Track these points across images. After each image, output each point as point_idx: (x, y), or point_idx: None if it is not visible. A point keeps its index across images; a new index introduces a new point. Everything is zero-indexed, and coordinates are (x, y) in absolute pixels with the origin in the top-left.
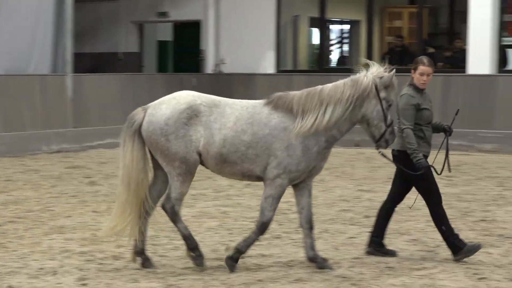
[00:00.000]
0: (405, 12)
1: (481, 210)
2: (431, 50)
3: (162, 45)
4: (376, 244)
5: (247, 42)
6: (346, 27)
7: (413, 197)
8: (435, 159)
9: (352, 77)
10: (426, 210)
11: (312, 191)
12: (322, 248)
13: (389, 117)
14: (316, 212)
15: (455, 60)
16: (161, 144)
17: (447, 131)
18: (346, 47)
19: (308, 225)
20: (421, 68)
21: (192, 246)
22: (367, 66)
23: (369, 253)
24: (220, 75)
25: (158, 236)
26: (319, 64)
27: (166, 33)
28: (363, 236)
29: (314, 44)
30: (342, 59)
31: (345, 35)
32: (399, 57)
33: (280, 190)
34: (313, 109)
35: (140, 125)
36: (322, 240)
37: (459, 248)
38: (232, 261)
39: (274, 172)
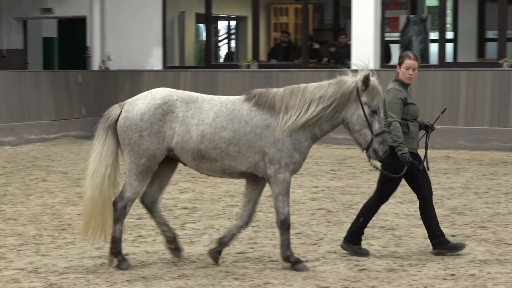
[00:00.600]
0: (290, 8)
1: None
2: (316, 46)
3: (47, 41)
4: (352, 240)
5: (134, 39)
6: (233, 23)
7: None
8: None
9: (339, 77)
10: (310, 204)
11: (263, 189)
12: (206, 244)
13: (376, 125)
14: (202, 208)
15: (340, 55)
16: (134, 140)
17: (429, 128)
18: (233, 43)
19: (247, 219)
20: (407, 62)
21: (116, 251)
22: (358, 70)
23: (343, 248)
24: (106, 72)
25: (41, 235)
26: (206, 60)
27: (51, 30)
28: (247, 231)
29: (201, 40)
30: (229, 55)
31: (232, 31)
32: (285, 53)
33: (285, 185)
34: (296, 106)
35: (116, 121)
36: (207, 235)
37: (443, 246)
38: (293, 265)
39: (272, 169)
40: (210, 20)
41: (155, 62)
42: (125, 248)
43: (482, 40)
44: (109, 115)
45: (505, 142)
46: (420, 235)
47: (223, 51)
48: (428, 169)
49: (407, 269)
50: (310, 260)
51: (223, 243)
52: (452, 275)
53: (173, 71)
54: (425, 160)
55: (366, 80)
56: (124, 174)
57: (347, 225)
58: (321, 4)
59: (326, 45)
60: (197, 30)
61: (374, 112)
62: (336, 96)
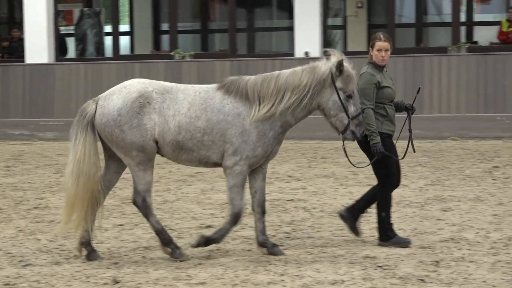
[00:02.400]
0: None
1: (35, 198)
2: None
3: None
4: (354, 215)
5: None
6: None
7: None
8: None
9: (311, 64)
10: None
11: (266, 175)
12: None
13: (352, 109)
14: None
15: (13, 49)
16: (116, 136)
17: (410, 110)
18: None
19: (259, 209)
20: (378, 44)
21: (166, 241)
22: (329, 55)
23: (341, 216)
24: None
25: None
26: None
27: None
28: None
29: None
30: None
31: None
32: None
33: (241, 177)
34: (270, 95)
35: (92, 118)
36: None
37: (389, 237)
38: (199, 247)
39: (232, 160)
40: None
41: None
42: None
43: (157, 33)
44: (84, 112)
45: None
46: None
47: None
48: (414, 151)
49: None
50: None
51: (262, 243)
52: (116, 263)
53: None
54: (409, 143)
55: (339, 66)
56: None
57: (16, 221)
58: None
59: None
60: None
61: (349, 97)
62: (312, 85)
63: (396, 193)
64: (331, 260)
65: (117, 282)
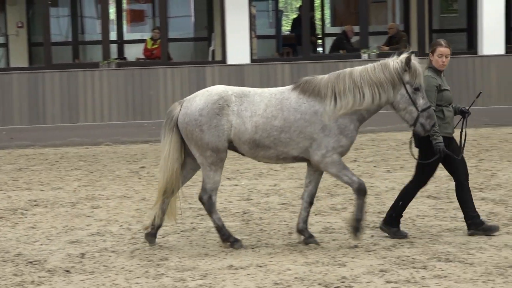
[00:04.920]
0: None
1: None
2: None
3: None
4: (392, 222)
5: None
6: None
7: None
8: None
9: (382, 61)
10: None
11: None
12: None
13: (421, 101)
14: None
15: None
16: (195, 135)
17: (466, 113)
18: None
19: (308, 199)
20: (440, 50)
21: (225, 237)
22: (401, 53)
23: (382, 229)
24: None
25: None
26: None
27: None
28: None
29: None
30: None
31: None
32: None
33: (337, 164)
34: (347, 90)
35: (177, 118)
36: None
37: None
38: (357, 230)
39: (319, 154)
40: None
41: None
42: None
43: None
44: (171, 114)
45: None
46: None
47: None
48: (462, 153)
49: None
50: None
51: (301, 231)
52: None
53: None
54: (462, 145)
55: (408, 61)
56: None
57: None
58: None
59: None
60: None
61: (417, 90)
62: (386, 80)
63: (50, 195)
64: None
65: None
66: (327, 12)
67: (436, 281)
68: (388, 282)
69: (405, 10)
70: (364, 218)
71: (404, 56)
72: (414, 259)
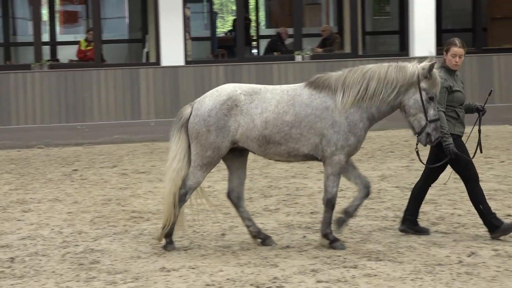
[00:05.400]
0: None
1: None
2: None
3: None
4: (410, 222)
5: None
6: None
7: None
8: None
9: (400, 63)
10: None
11: (354, 164)
12: None
13: (431, 112)
14: None
15: None
16: (201, 134)
17: (481, 111)
18: None
19: (366, 189)
20: (454, 49)
21: (168, 233)
22: (422, 59)
23: (402, 231)
24: None
25: None
26: None
27: None
28: None
29: None
30: None
31: None
32: None
33: (339, 167)
34: (355, 83)
35: (187, 120)
36: None
37: (496, 227)
38: (333, 241)
39: (328, 151)
40: None
41: None
42: None
43: None
44: (181, 115)
45: None
46: None
47: None
48: (481, 152)
49: None
50: None
51: (348, 213)
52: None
53: None
54: (478, 145)
55: (431, 68)
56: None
57: None
58: None
59: None
60: None
61: (431, 99)
62: (399, 83)
63: None
64: None
65: None
66: (262, 14)
67: (366, 280)
68: (319, 281)
69: (338, 12)
70: (330, 229)
71: (427, 63)
72: (345, 258)
